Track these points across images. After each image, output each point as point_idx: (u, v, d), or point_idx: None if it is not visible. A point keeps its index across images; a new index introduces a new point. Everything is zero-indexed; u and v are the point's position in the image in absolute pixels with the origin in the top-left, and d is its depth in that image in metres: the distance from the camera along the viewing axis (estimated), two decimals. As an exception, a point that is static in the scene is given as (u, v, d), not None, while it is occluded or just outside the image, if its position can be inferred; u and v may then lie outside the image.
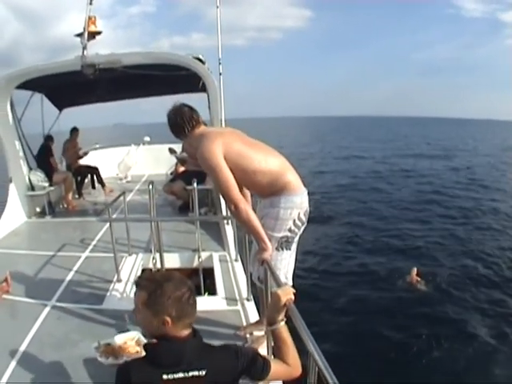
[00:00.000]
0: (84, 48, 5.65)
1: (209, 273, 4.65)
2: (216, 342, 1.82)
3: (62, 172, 7.79)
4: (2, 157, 6.41)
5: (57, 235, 5.86)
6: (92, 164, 8.86)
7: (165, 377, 1.60)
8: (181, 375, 1.61)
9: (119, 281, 4.21)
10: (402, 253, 10.08)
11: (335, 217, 13.25)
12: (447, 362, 5.74)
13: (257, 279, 2.93)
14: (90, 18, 5.76)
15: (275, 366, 1.79)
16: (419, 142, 47.15)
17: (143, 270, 4.66)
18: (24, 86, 6.36)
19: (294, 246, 2.82)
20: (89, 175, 8.91)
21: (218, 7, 6.43)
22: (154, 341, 1.73)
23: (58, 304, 3.73)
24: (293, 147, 31.88)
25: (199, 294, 4.41)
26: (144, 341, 2.67)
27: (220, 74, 6.16)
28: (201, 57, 6.01)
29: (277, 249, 2.73)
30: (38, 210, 6.95)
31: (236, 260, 4.77)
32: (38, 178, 6.92)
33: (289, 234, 2.73)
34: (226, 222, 5.60)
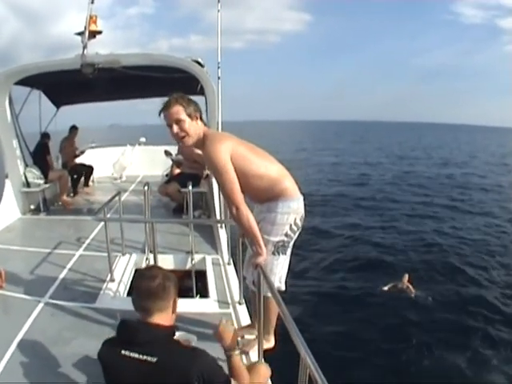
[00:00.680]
0: (84, 47, 5.67)
1: (201, 275, 4.66)
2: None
3: (58, 170, 7.78)
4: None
5: (51, 232, 5.86)
6: (87, 163, 8.86)
7: (123, 352, 1.90)
8: (136, 355, 1.88)
9: (112, 280, 4.22)
10: (394, 259, 10.18)
11: (326, 222, 13.31)
12: (438, 368, 5.83)
13: (251, 283, 2.97)
14: (91, 17, 5.78)
15: None
16: (413, 148, 47.58)
17: (136, 271, 4.68)
18: (22, 82, 6.37)
19: (289, 251, 2.86)
20: (83, 174, 8.87)
21: (218, 11, 6.37)
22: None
23: (51, 301, 3.74)
24: (287, 152, 31.96)
25: (191, 296, 4.44)
26: (193, 339, 2.85)
27: (219, 78, 6.15)
28: (200, 60, 6.04)
29: (273, 253, 2.77)
30: (32, 206, 6.95)
31: (229, 263, 4.78)
32: (34, 175, 6.91)
33: (285, 239, 2.77)
34: (219, 225, 5.65)
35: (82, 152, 8.81)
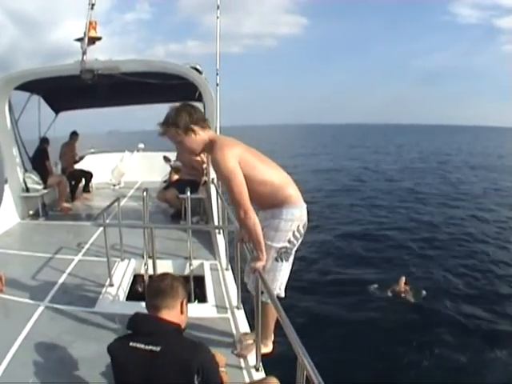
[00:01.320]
0: (84, 53, 5.68)
1: (199, 281, 4.67)
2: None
3: (57, 175, 7.80)
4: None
5: (50, 237, 5.88)
6: (86, 169, 8.88)
7: (131, 344, 2.00)
8: (142, 346, 1.98)
9: (111, 285, 4.25)
10: (390, 262, 10.21)
11: (321, 226, 13.34)
12: (437, 371, 5.85)
13: (253, 289, 2.98)
14: (90, 23, 5.80)
15: None
16: (411, 150, 47.65)
17: (135, 276, 4.71)
18: (22, 87, 6.43)
19: (291, 259, 2.89)
20: (83, 179, 8.90)
21: (218, 18, 6.39)
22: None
23: (51, 305, 3.77)
24: (284, 157, 31.97)
25: (189, 301, 4.46)
26: None
27: (217, 84, 6.16)
28: (198, 67, 6.08)
29: (276, 260, 2.80)
30: (31, 211, 6.98)
31: (227, 269, 4.81)
32: (33, 180, 6.94)
33: (288, 245, 2.80)
34: (217, 231, 5.69)
35: (82, 158, 8.85)
